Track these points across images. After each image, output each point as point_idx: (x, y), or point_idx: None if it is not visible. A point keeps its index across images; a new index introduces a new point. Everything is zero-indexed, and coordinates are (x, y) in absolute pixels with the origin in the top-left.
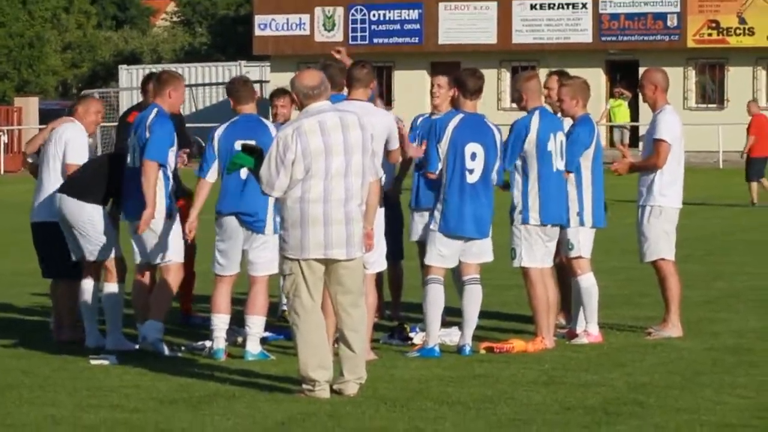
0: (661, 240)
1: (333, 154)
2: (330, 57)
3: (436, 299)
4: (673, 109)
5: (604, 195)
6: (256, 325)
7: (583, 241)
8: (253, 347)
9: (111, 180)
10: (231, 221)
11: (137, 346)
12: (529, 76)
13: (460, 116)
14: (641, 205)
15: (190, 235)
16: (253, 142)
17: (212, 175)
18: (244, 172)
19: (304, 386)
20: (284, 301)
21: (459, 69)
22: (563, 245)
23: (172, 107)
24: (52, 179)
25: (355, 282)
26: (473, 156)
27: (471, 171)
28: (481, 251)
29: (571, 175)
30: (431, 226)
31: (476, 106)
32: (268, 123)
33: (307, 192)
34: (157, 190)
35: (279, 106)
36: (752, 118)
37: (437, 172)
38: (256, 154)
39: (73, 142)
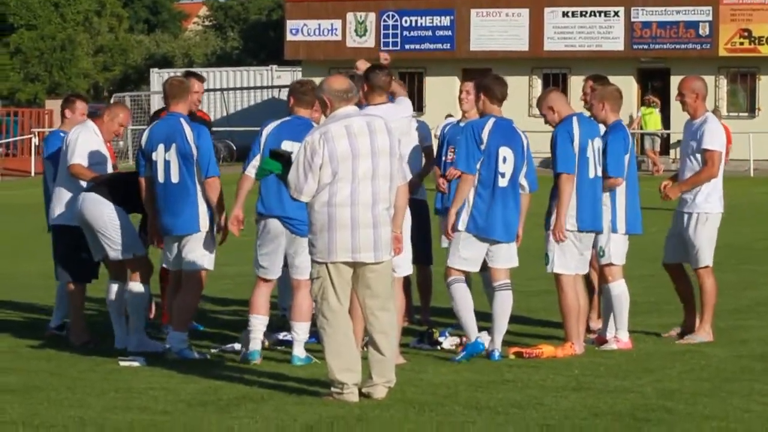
0: (708, 247)
1: (360, 158)
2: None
3: (463, 298)
4: (715, 117)
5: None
6: (303, 330)
7: (614, 248)
8: (300, 352)
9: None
10: (274, 223)
11: (163, 347)
12: (550, 90)
13: (493, 120)
14: (687, 212)
15: (236, 231)
16: (291, 146)
17: (252, 171)
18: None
19: (333, 389)
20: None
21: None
22: (595, 251)
23: (188, 110)
24: (69, 183)
25: (383, 285)
26: (504, 160)
27: (503, 175)
28: (510, 255)
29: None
30: (459, 227)
31: (500, 113)
32: None
33: (334, 196)
34: (202, 201)
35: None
36: None
37: (475, 173)
38: (284, 160)
39: (81, 145)
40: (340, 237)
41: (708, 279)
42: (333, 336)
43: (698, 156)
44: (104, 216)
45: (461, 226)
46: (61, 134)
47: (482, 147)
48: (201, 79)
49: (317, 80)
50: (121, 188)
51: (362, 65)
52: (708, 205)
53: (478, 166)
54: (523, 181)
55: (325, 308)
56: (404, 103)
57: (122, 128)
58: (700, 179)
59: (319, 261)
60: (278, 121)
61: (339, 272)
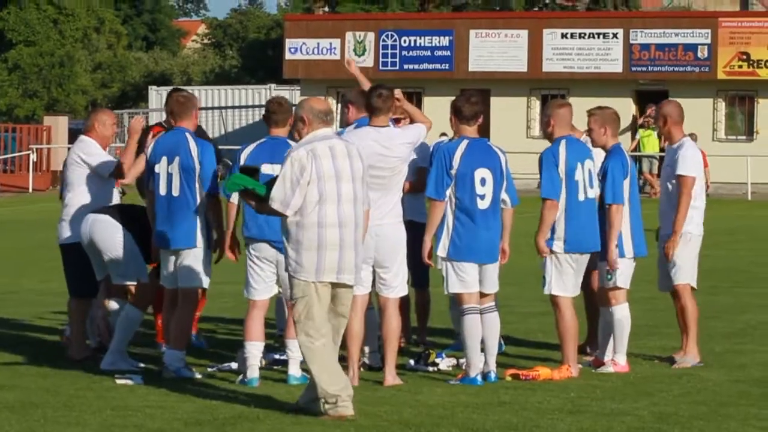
0: (688, 266)
1: (342, 180)
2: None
3: (474, 330)
4: (692, 142)
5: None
6: (298, 349)
7: (620, 271)
8: (296, 371)
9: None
10: (264, 246)
11: (140, 366)
12: (562, 103)
13: (466, 141)
14: (667, 234)
15: (234, 257)
16: (271, 169)
17: (236, 197)
18: None
19: (326, 406)
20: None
21: (489, 96)
22: (601, 275)
23: (195, 127)
24: (77, 201)
25: (348, 307)
26: (483, 181)
27: (482, 197)
28: (494, 279)
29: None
30: (439, 253)
31: (476, 131)
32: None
33: (324, 216)
34: (201, 216)
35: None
36: None
37: (444, 199)
38: (255, 175)
39: (100, 155)
40: (329, 257)
41: (687, 297)
42: (320, 353)
43: (674, 182)
44: (113, 238)
45: (442, 252)
46: None
47: (453, 171)
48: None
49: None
50: (136, 216)
51: (352, 64)
52: (690, 226)
53: (449, 191)
54: (504, 196)
55: (310, 327)
56: (410, 130)
57: (115, 127)
58: (682, 212)
59: (305, 280)
60: (254, 145)
61: (323, 292)
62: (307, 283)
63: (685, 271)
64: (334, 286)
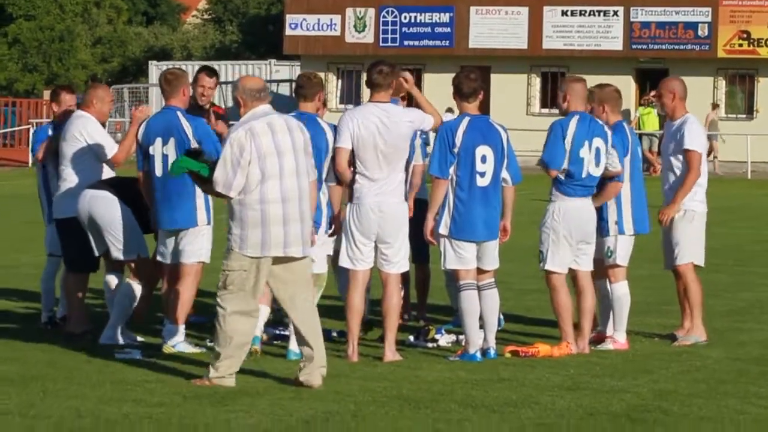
0: (696, 244)
1: (284, 154)
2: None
3: (471, 306)
4: (695, 118)
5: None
6: None
7: (620, 249)
8: (296, 347)
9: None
10: None
11: (137, 340)
12: (577, 78)
13: (467, 119)
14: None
15: None
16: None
17: None
18: None
19: (212, 372)
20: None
21: (489, 73)
22: (602, 252)
23: (185, 104)
24: (74, 176)
25: (305, 277)
26: (483, 159)
27: (482, 174)
28: (495, 256)
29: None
30: (441, 230)
31: (477, 108)
32: (325, 124)
33: (266, 193)
34: (200, 194)
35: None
36: None
37: (448, 177)
38: (200, 157)
39: (103, 136)
40: (275, 232)
41: (690, 276)
42: (245, 325)
43: (679, 156)
44: (112, 215)
45: (443, 230)
46: (50, 128)
47: (455, 150)
48: (211, 73)
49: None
50: (130, 188)
51: (410, 81)
52: (693, 203)
53: (452, 169)
54: (505, 174)
55: (242, 297)
56: (414, 111)
57: (112, 103)
58: (687, 186)
59: (251, 256)
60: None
61: (265, 266)
62: (247, 259)
63: (688, 250)
64: (282, 260)
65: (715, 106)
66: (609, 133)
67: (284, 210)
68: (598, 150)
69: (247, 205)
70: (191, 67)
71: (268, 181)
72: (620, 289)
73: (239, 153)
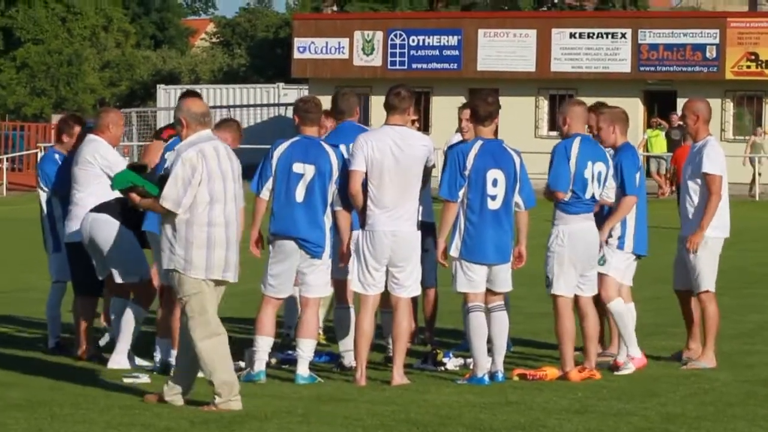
0: (709, 272)
1: (227, 180)
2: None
3: (479, 328)
4: (716, 140)
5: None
6: (308, 348)
7: (615, 264)
8: (304, 370)
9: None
10: (288, 244)
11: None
12: (577, 101)
13: (480, 143)
14: (687, 235)
15: (257, 253)
16: (303, 169)
17: (266, 194)
18: (300, 195)
19: (217, 399)
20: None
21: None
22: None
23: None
24: (85, 200)
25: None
26: (494, 182)
27: (493, 197)
28: (506, 279)
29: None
30: (452, 252)
31: (492, 132)
32: (329, 148)
33: (213, 216)
34: None
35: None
36: None
37: (457, 200)
38: (143, 173)
39: (118, 161)
40: (218, 255)
41: (710, 304)
42: (217, 347)
43: (697, 180)
44: (114, 238)
45: (454, 252)
46: (56, 155)
47: (466, 172)
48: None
49: (326, 98)
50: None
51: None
52: (711, 230)
53: (462, 192)
54: (518, 198)
55: (204, 322)
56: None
57: (123, 126)
58: (710, 211)
59: (197, 277)
60: (288, 142)
61: (210, 288)
62: (197, 281)
63: (706, 277)
64: (217, 283)
65: (757, 129)
66: (610, 160)
67: (227, 234)
68: (600, 173)
69: (196, 226)
70: (203, 91)
71: (215, 204)
72: (615, 306)
73: (191, 173)
